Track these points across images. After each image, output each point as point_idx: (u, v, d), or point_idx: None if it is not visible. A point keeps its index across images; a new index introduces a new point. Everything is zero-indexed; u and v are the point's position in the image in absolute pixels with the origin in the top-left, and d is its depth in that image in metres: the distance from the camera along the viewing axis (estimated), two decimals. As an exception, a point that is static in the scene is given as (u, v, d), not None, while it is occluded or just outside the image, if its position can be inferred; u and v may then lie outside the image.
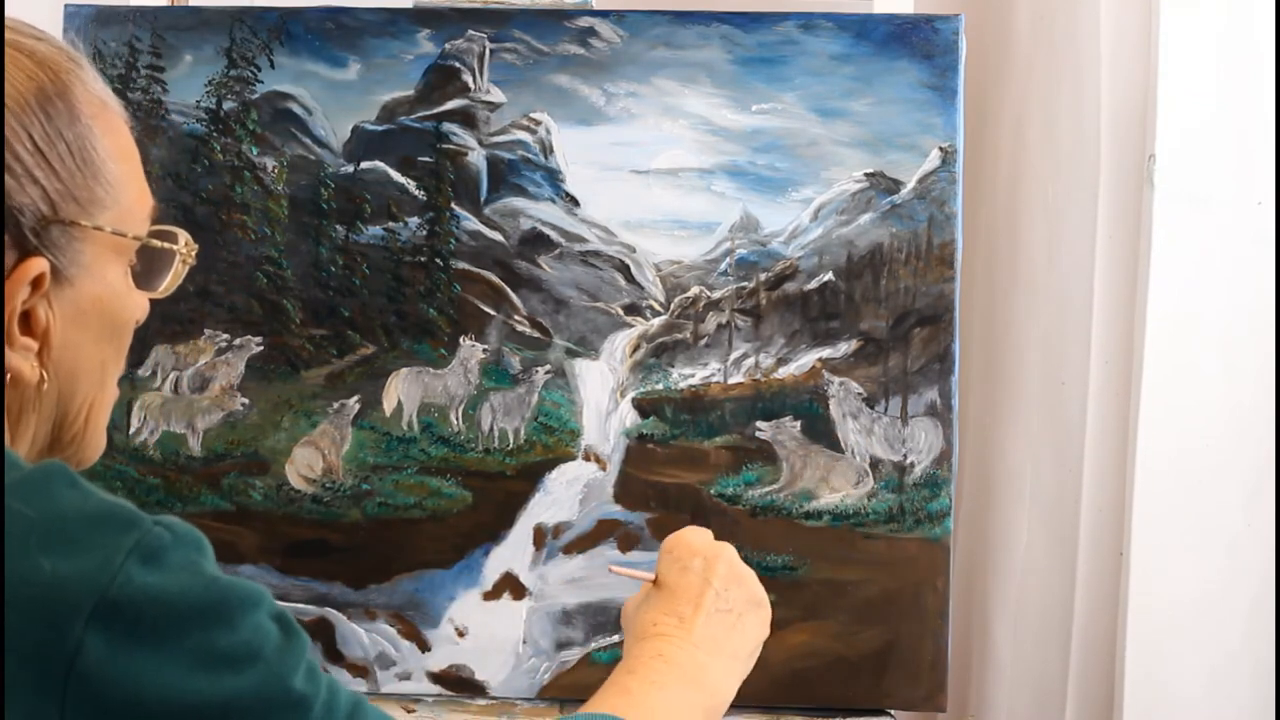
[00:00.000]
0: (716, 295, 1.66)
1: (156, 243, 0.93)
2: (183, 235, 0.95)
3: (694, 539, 1.16)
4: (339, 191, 1.67)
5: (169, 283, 0.95)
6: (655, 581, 1.15)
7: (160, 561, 0.76)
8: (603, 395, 1.67)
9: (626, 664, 1.08)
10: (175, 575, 0.76)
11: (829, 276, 1.65)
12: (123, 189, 0.90)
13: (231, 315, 1.67)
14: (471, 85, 1.67)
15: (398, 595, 1.65)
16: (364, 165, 1.67)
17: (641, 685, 1.04)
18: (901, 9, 1.75)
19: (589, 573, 1.65)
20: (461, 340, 1.67)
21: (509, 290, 1.67)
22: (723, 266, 1.66)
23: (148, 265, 0.93)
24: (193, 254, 0.95)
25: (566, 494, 1.66)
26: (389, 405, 1.67)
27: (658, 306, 1.67)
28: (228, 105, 1.67)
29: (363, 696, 0.85)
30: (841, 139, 1.65)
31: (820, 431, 1.65)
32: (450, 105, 1.68)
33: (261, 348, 1.67)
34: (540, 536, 1.66)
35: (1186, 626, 1.58)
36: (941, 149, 1.64)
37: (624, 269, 1.67)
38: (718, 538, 1.62)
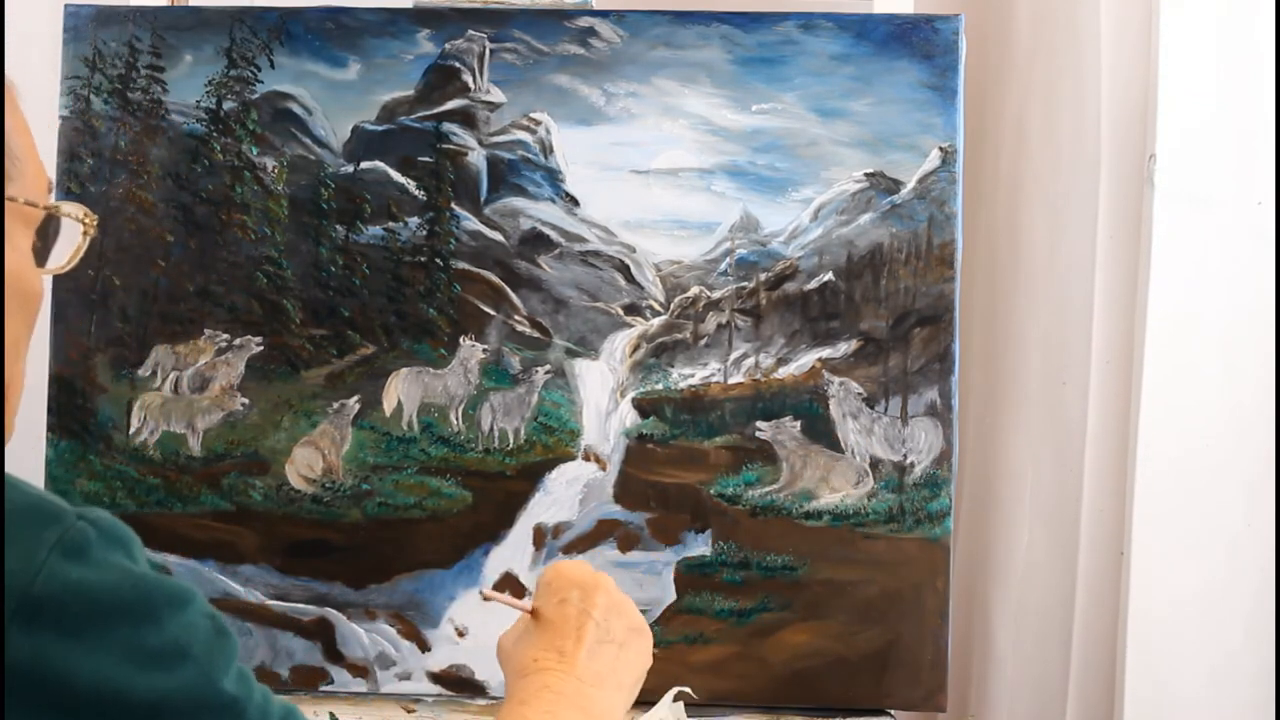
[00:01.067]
0: (716, 295, 1.66)
1: (65, 212, 0.92)
2: (81, 207, 0.94)
3: (571, 570, 1.13)
4: (339, 191, 1.67)
5: (71, 255, 0.94)
6: (533, 613, 1.11)
7: (85, 556, 0.75)
8: (603, 395, 1.67)
9: (516, 696, 1.06)
10: (101, 570, 0.75)
11: (829, 276, 1.65)
12: (27, 162, 0.89)
13: (231, 315, 1.67)
14: (471, 85, 1.67)
15: (398, 595, 1.65)
16: (364, 165, 1.67)
17: (537, 715, 1.03)
18: (901, 9, 1.75)
19: (589, 573, 1.65)
20: (461, 340, 1.67)
21: (509, 290, 1.67)
22: (723, 266, 1.66)
23: (47, 240, 0.92)
24: (93, 225, 0.94)
25: (566, 494, 1.66)
26: (389, 405, 1.67)
27: (658, 306, 1.67)
28: (228, 105, 1.67)
29: (295, 706, 0.85)
30: (841, 139, 1.65)
31: (820, 431, 1.65)
32: (450, 105, 1.68)
33: (261, 348, 1.67)
34: (540, 536, 1.66)
35: (1186, 626, 1.58)
36: (941, 149, 1.64)
37: (624, 269, 1.67)
38: (717, 538, 1.63)
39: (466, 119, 1.68)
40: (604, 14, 1.67)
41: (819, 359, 1.65)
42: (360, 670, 1.65)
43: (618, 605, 1.12)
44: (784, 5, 1.69)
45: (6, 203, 0.85)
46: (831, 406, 1.65)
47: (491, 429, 1.67)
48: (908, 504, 1.63)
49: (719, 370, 1.66)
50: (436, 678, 1.65)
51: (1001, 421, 1.83)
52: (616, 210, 1.66)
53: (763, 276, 1.66)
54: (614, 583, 1.14)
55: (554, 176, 1.67)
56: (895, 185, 1.64)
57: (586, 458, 1.67)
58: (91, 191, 1.66)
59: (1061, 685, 1.71)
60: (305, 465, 1.66)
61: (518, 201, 1.68)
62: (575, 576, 1.13)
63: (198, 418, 1.67)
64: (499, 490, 1.66)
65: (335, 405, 1.66)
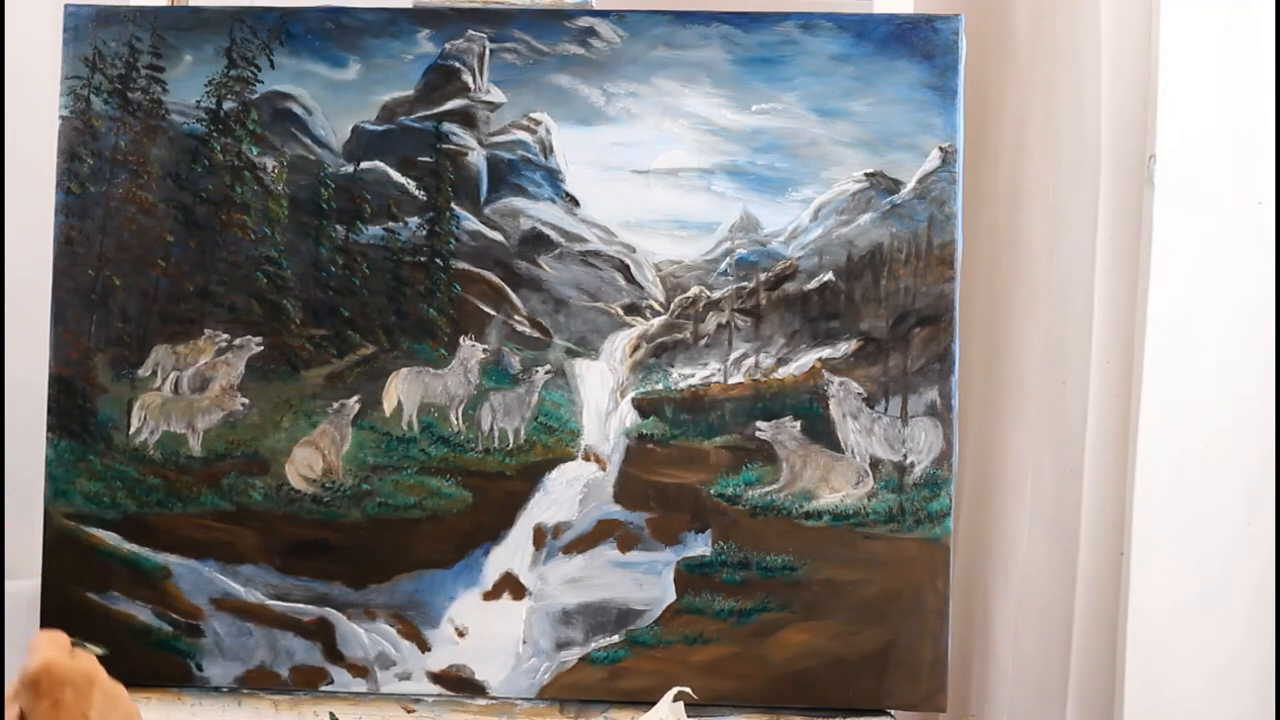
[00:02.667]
0: (716, 295, 1.66)
1: None
2: None
3: (59, 669, 1.11)
4: (339, 191, 1.67)
5: None
6: (21, 717, 1.09)
7: None
8: (603, 395, 1.67)
9: None
10: None
11: (829, 276, 1.65)
12: None
13: (231, 315, 1.67)
14: (471, 85, 1.67)
15: (398, 595, 1.65)
16: (364, 165, 1.67)
17: None
18: (901, 9, 1.75)
19: (589, 573, 1.65)
20: (461, 340, 1.67)
21: (509, 290, 1.67)
22: (723, 266, 1.66)
23: None
24: None
25: (566, 494, 1.66)
26: (389, 405, 1.67)
27: (658, 306, 1.67)
28: (228, 105, 1.67)
29: None
30: (841, 139, 1.65)
31: (820, 431, 1.65)
32: (450, 105, 1.68)
33: (261, 348, 1.67)
34: (540, 536, 1.66)
35: (1186, 626, 1.58)
36: (941, 149, 1.64)
37: (624, 269, 1.67)
38: (716, 538, 1.63)
39: (466, 119, 1.68)
40: (604, 14, 1.67)
41: (819, 359, 1.65)
42: (360, 670, 1.65)
43: (112, 698, 1.13)
44: (784, 5, 1.69)
45: None
46: (831, 406, 1.65)
47: (491, 429, 1.67)
48: (908, 504, 1.63)
49: (719, 370, 1.66)
50: (436, 678, 1.66)
51: (1001, 421, 1.83)
52: (616, 210, 1.67)
53: (763, 276, 1.66)
54: (104, 672, 1.14)
55: (554, 176, 1.67)
56: (895, 185, 1.64)
57: (586, 458, 1.67)
58: (91, 191, 1.66)
59: (1061, 685, 1.71)
60: (305, 465, 1.66)
61: (518, 201, 1.68)
62: (65, 675, 1.11)
63: (198, 418, 1.67)
64: (499, 490, 1.66)
65: (335, 405, 1.66)
